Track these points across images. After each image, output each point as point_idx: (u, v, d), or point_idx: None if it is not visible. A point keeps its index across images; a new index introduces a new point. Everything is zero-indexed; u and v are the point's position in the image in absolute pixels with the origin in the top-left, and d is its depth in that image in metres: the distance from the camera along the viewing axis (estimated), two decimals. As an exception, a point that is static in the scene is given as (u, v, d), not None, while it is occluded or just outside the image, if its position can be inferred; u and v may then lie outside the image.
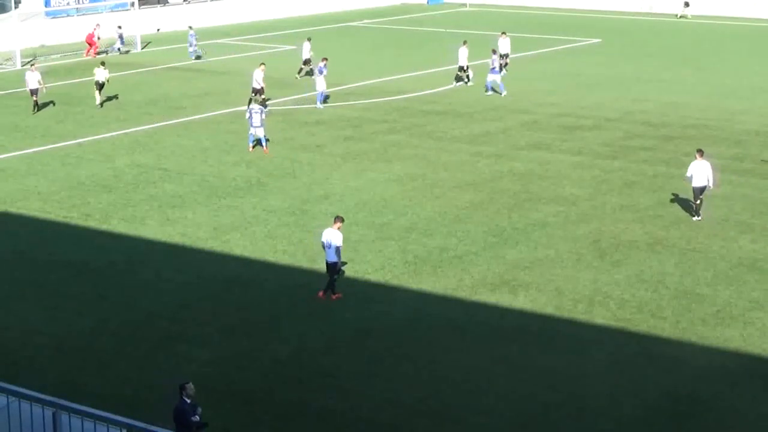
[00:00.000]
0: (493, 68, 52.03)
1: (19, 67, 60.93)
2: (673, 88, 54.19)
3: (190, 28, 65.72)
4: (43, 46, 67.64)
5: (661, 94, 52.55)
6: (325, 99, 50.67)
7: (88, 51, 66.12)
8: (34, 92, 48.25)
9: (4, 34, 64.86)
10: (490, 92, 52.14)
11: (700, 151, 33.59)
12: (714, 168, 33.52)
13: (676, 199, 35.20)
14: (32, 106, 47.81)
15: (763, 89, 53.79)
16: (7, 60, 62.16)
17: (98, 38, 66.77)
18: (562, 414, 21.64)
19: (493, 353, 24.47)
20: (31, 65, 47.06)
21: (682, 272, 28.83)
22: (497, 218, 33.60)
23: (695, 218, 33.27)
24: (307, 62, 57.28)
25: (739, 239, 31.56)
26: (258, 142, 41.58)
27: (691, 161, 33.54)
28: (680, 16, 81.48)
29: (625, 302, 26.96)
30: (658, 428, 21.15)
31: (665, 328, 25.44)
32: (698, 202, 33.24)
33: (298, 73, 57.28)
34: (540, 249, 30.88)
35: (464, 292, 27.77)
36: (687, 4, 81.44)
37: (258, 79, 49.13)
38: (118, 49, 67.30)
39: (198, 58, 64.19)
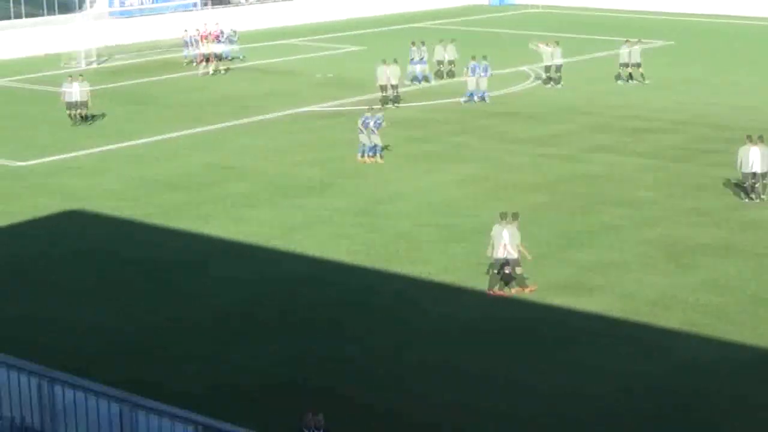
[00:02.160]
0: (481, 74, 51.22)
1: (83, 66, 61.44)
2: (744, 91, 53.56)
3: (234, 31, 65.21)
4: (108, 46, 68.08)
5: (732, 97, 51.99)
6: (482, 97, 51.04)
7: (205, 59, 62.00)
8: (80, 105, 45.37)
9: (68, 34, 65.36)
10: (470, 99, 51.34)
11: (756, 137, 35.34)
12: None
13: (747, 202, 34.86)
14: (74, 119, 45.13)
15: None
16: (74, 60, 62.65)
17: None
18: (631, 417, 21.52)
19: (560, 356, 24.37)
20: (71, 77, 45.13)
21: (754, 277, 28.51)
22: (565, 221, 33.46)
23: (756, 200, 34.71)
24: (451, 63, 56.43)
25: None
26: (373, 150, 39.96)
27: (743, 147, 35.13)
28: None
29: (696, 306, 26.72)
30: (729, 434, 20.99)
31: (736, 333, 25.21)
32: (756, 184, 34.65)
33: (435, 74, 56.57)
34: (608, 252, 30.70)
35: (531, 295, 27.63)
36: None
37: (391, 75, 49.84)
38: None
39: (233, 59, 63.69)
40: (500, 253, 27.29)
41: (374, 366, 23.90)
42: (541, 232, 32.33)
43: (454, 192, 36.56)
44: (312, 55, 64.63)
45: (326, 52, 67.31)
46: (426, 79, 56.43)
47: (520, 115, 48.42)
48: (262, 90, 54.97)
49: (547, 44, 55.41)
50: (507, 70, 56.74)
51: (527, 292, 27.37)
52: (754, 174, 34.70)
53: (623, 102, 51.00)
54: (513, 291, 27.40)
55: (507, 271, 27.37)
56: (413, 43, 57.36)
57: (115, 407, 15.08)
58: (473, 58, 51.44)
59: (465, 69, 51.93)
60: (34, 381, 15.58)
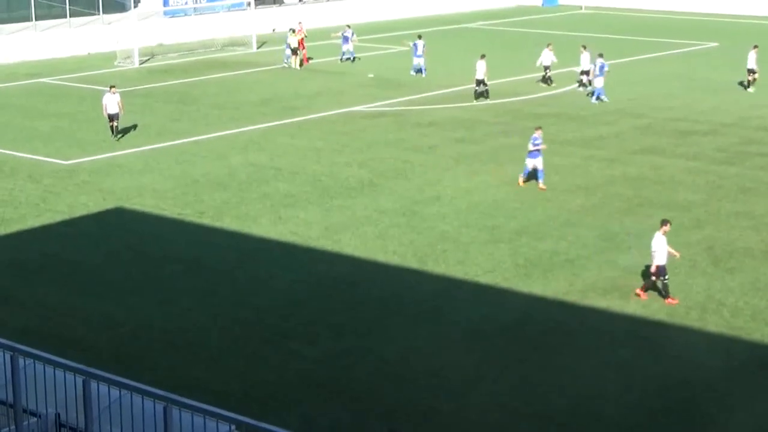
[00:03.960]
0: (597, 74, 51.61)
1: (137, 65, 61.94)
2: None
3: (348, 26, 65.10)
4: (161, 45, 68.52)
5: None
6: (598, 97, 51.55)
7: (300, 58, 63.14)
8: (113, 117, 43.73)
9: (123, 33, 65.89)
10: (595, 100, 51.63)
11: None
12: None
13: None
14: (111, 131, 44.29)
15: None
16: (126, 58, 63.15)
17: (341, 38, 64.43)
18: (671, 420, 21.38)
19: (603, 358, 24.25)
20: (111, 88, 44.37)
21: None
22: (609, 223, 33.32)
23: None
24: (547, 68, 55.99)
25: None
26: (534, 173, 37.25)
27: None
28: None
29: (740, 310, 26.50)
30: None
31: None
32: None
33: (543, 81, 56.11)
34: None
35: (574, 297, 27.53)
36: None
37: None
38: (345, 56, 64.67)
39: (350, 59, 63.78)
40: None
41: (414, 365, 23.88)
42: (586, 233, 32.28)
43: (498, 193, 36.49)
44: (363, 54, 64.57)
45: (377, 52, 67.32)
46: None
47: (565, 116, 48.28)
48: (309, 90, 55.11)
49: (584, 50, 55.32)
50: (555, 72, 56.48)
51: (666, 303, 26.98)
52: None
53: (668, 104, 50.80)
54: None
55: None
56: (419, 37, 60.47)
57: (154, 405, 15.07)
58: (600, 56, 51.94)
59: (592, 67, 52.61)
60: (75, 378, 15.59)
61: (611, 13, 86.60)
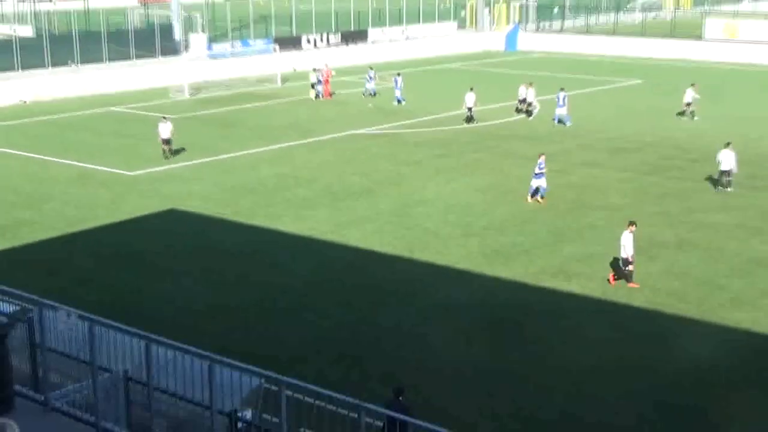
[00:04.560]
0: (559, 104, 51.55)
1: (187, 96, 61.95)
2: (702, 120, 53.06)
3: (371, 68, 63.98)
4: (206, 81, 68.53)
5: (691, 125, 51.61)
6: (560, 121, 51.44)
7: (326, 92, 62.20)
8: (166, 141, 42.87)
9: (176, 71, 65.95)
10: (557, 124, 51.51)
11: (727, 144, 37.39)
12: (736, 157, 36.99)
13: (700, 208, 34.67)
14: (164, 154, 42.88)
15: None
16: (178, 92, 63.20)
17: (368, 79, 62.54)
18: (603, 378, 21.47)
19: (553, 325, 24.37)
20: (164, 118, 43.95)
21: (704, 266, 28.36)
22: (556, 220, 33.35)
23: (726, 189, 36.95)
24: (522, 101, 54.89)
25: (750, 240, 31.00)
26: (537, 191, 35.73)
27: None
28: None
29: (658, 290, 26.63)
30: (680, 392, 20.89)
31: (687, 310, 25.13)
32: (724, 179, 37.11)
33: (518, 111, 55.02)
34: (590, 246, 30.60)
35: (530, 279, 27.63)
36: None
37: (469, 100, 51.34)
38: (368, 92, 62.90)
39: (372, 95, 62.24)
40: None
41: (405, 333, 23.96)
42: (538, 229, 32.33)
43: (470, 197, 36.50)
44: (361, 89, 64.51)
45: (353, 88, 67.27)
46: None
47: (522, 137, 48.26)
48: (322, 117, 55.01)
49: (526, 86, 55.04)
50: (509, 103, 56.43)
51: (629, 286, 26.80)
52: (724, 171, 37.07)
53: (604, 128, 50.69)
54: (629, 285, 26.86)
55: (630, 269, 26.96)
56: (371, 68, 62.29)
57: (201, 364, 15.10)
58: (561, 89, 52.12)
59: (557, 98, 52.08)
60: (139, 342, 15.61)
61: (557, 56, 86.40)
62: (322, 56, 77.67)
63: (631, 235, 26.86)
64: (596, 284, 27.08)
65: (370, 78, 62.53)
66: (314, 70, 63.61)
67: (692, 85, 54.11)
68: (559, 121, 51.37)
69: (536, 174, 35.44)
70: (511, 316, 25.12)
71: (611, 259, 28.65)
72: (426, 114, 54.85)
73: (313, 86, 62.10)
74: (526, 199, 35.65)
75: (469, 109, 52.05)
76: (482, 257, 29.57)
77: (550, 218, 33.60)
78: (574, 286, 26.97)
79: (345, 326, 24.41)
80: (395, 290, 27.01)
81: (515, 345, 23.29)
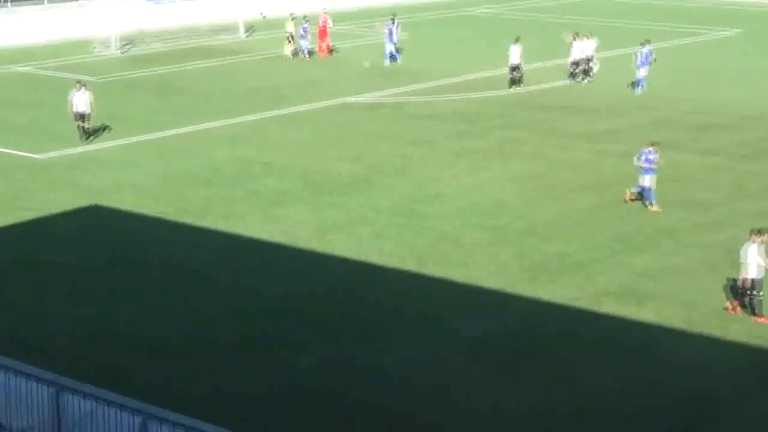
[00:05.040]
0: (641, 63, 51.55)
1: (116, 52, 61.91)
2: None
3: (305, 19, 62.74)
4: (142, 31, 68.40)
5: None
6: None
7: (321, 47, 62.61)
8: (82, 116, 42.23)
9: (102, 17, 65.74)
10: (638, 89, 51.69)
11: None
12: None
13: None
14: (80, 134, 42.28)
15: None
16: (104, 45, 63.09)
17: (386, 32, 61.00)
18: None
19: (615, 370, 24.14)
20: (79, 84, 42.91)
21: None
22: (622, 223, 33.25)
23: None
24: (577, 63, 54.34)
25: None
26: (642, 192, 34.78)
27: None
28: None
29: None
30: None
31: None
32: None
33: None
34: (669, 257, 30.49)
35: (585, 302, 27.43)
36: None
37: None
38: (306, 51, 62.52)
39: (311, 53, 62.18)
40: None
41: (414, 376, 23.73)
42: (598, 234, 32.29)
43: (503, 191, 36.41)
44: (359, 41, 64.39)
45: (373, 39, 67.03)
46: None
47: (574, 108, 48.24)
48: (301, 79, 55.05)
49: (576, 37, 54.56)
50: (556, 62, 56.30)
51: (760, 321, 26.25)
52: None
53: (687, 96, 50.72)
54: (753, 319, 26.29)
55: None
56: (393, 20, 60.53)
57: (130, 418, 15.05)
58: (645, 43, 52.18)
59: (637, 54, 52.28)
60: (48, 390, 15.56)
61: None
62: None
63: (756, 248, 26.26)
64: (678, 310, 26.88)
65: (304, 33, 61.58)
66: (292, 17, 63.23)
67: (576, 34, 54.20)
68: (638, 85, 51.35)
69: (645, 169, 34.37)
70: (559, 355, 24.88)
71: (694, 274, 28.54)
72: (441, 77, 54.81)
73: (289, 39, 61.88)
74: (625, 199, 34.90)
75: (515, 67, 52.21)
76: (520, 273, 29.42)
77: (612, 220, 33.48)
78: (648, 313, 26.75)
79: (332, 368, 24.12)
80: (399, 319, 26.78)
81: (563, 394, 23.06)
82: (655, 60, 51.54)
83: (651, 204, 34.32)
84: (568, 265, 29.98)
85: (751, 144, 42.14)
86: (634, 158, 34.71)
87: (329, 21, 63.25)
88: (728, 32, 69.56)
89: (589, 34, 55.52)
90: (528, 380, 23.65)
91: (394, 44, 59.25)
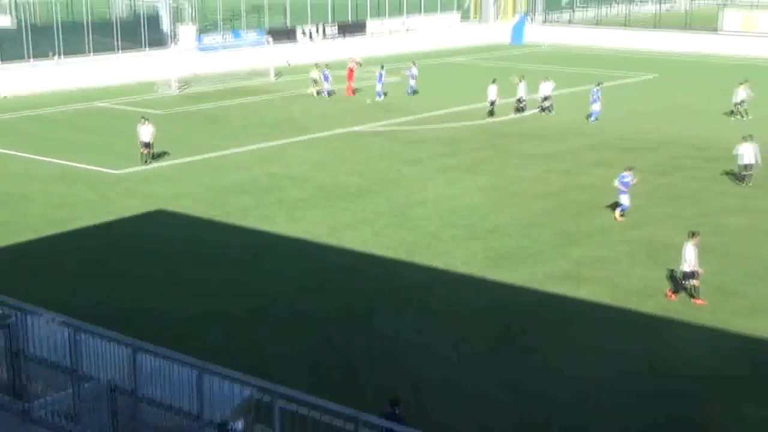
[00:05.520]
0: (593, 100, 51.91)
1: (175, 91, 62.00)
2: (718, 117, 53.19)
3: (326, 66, 62.08)
4: (195, 75, 68.50)
5: (707, 124, 51.67)
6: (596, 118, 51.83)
7: (348, 88, 61.61)
8: (146, 145, 42.13)
9: (164, 64, 66.04)
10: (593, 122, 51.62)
11: (748, 136, 38.70)
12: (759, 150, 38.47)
13: (716, 211, 34.76)
14: (143, 159, 42.19)
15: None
16: (166, 86, 63.22)
17: (376, 81, 60.53)
18: (610, 389, 21.55)
19: (560, 335, 24.42)
20: (144, 119, 42.83)
21: (720, 272, 28.37)
22: (564, 223, 33.46)
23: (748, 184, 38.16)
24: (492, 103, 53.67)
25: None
26: (617, 205, 34.20)
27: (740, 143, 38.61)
28: None
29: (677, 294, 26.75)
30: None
31: (704, 318, 25.19)
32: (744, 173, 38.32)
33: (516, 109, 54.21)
34: (600, 249, 30.71)
35: (536, 284, 27.69)
36: None
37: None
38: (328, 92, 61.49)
39: (415, 92, 61.18)
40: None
41: (403, 341, 23.95)
42: (545, 232, 32.44)
43: (474, 199, 36.60)
44: (363, 83, 64.41)
45: (371, 82, 67.18)
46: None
47: (528, 135, 48.39)
48: (318, 112, 55.10)
49: (518, 79, 54.76)
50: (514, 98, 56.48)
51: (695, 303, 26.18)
52: (746, 165, 38.31)
53: (615, 125, 50.79)
54: (692, 301, 26.18)
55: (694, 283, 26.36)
56: (382, 67, 61.07)
57: (189, 372, 15.20)
58: (595, 84, 53.14)
59: (591, 93, 52.71)
60: (125, 350, 15.70)
61: (567, 49, 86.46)
62: (317, 49, 77.93)
63: (694, 248, 26.21)
64: (606, 290, 27.14)
65: (326, 78, 60.93)
66: (316, 65, 63.06)
67: (742, 83, 53.32)
68: (594, 118, 51.52)
69: (621, 190, 33.70)
70: (517, 323, 25.11)
71: (619, 262, 28.80)
72: (428, 110, 54.98)
73: (315, 82, 61.39)
74: (615, 217, 33.85)
75: (492, 103, 52.53)
76: (486, 261, 29.62)
77: (557, 221, 33.69)
78: (583, 292, 27.04)
79: (341, 334, 24.38)
80: (394, 296, 27.01)
81: (519, 355, 23.31)
82: (599, 98, 51.75)
83: (618, 214, 33.77)
84: (522, 255, 30.19)
85: (664, 163, 42.31)
86: (615, 180, 34.02)
87: (355, 65, 62.82)
88: (648, 76, 69.61)
89: (546, 77, 55.76)
90: (492, 341, 23.92)
91: (381, 85, 59.37)
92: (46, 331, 16.20)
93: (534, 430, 19.85)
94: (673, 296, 26.59)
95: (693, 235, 26.66)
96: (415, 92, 60.03)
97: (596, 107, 51.66)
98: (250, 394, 14.75)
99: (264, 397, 14.34)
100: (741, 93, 52.63)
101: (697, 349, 23.52)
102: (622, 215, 33.81)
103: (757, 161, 38.07)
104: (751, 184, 37.88)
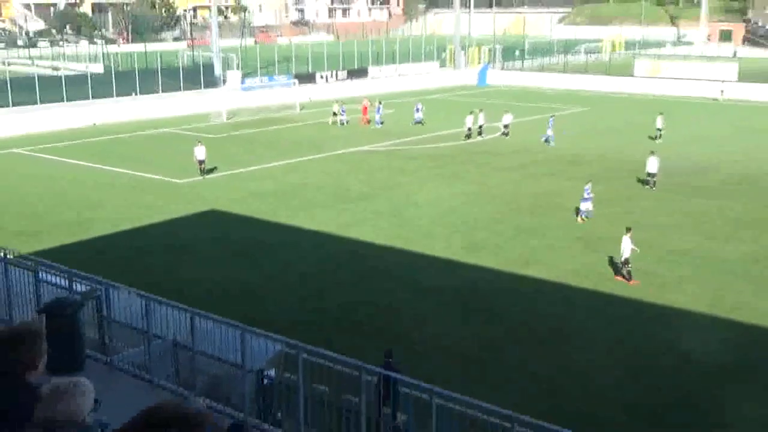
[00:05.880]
0: (549, 126, 51.36)
1: (224, 120, 61.84)
2: (633, 139, 52.97)
3: (343, 102, 61.45)
4: (239, 108, 68.36)
5: (627, 143, 51.49)
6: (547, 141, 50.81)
7: (365, 120, 59.60)
8: (201, 162, 41.29)
9: (216, 100, 65.93)
10: (545, 143, 50.72)
11: (652, 152, 39.10)
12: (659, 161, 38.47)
13: (637, 210, 34.56)
14: (200, 172, 41.26)
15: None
16: (217, 117, 63.09)
17: (376, 112, 59.04)
18: (563, 342, 21.35)
19: (519, 303, 24.24)
20: (199, 142, 42.55)
21: (637, 256, 27.84)
22: (522, 220, 33.28)
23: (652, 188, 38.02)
24: (480, 126, 52.84)
25: (672, 236, 30.85)
26: (578, 211, 33.19)
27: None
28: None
29: (601, 274, 26.61)
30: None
31: (624, 291, 24.99)
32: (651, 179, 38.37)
33: (477, 134, 52.78)
34: (549, 240, 30.55)
35: (500, 266, 27.53)
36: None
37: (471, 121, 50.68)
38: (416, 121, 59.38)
39: (420, 123, 58.92)
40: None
41: (397, 308, 23.81)
42: (506, 227, 32.24)
43: (454, 202, 36.38)
44: (359, 115, 64.20)
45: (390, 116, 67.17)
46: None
47: (497, 153, 48.08)
48: (332, 136, 54.85)
49: (475, 111, 54.05)
50: (491, 124, 56.27)
51: (631, 284, 25.64)
52: (651, 173, 38.32)
53: (559, 145, 50.54)
54: (631, 283, 25.61)
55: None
56: (380, 102, 60.41)
57: (234, 332, 15.03)
58: (552, 115, 52.91)
59: (548, 122, 51.87)
60: (185, 315, 15.56)
61: (519, 89, 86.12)
62: (332, 89, 77.90)
63: (629, 240, 25.75)
64: (551, 271, 26.96)
65: (342, 111, 59.58)
66: (336, 101, 62.33)
67: (661, 113, 53.12)
68: (546, 141, 51.08)
69: (584, 198, 32.67)
70: (487, 296, 24.99)
71: (562, 250, 28.63)
72: (418, 134, 54.79)
73: (335, 113, 60.32)
74: (576, 221, 32.73)
75: (469, 129, 52.20)
76: (462, 249, 29.47)
77: (516, 219, 33.48)
78: (535, 272, 26.87)
79: (349, 304, 24.25)
80: (390, 277, 26.80)
81: (485, 317, 23.17)
82: (552, 125, 51.46)
83: (582, 218, 32.72)
84: (489, 245, 30.02)
85: (600, 174, 41.90)
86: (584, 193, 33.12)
87: (368, 104, 61.26)
88: (582, 108, 69.40)
89: (507, 110, 55.62)
90: (467, 311, 23.77)
91: (380, 115, 58.77)
92: (125, 301, 16.06)
93: (492, 361, 19.69)
94: (618, 278, 25.89)
95: (628, 230, 26.33)
96: (419, 123, 58.26)
97: (550, 132, 51.31)
98: (281, 348, 14.62)
99: (291, 351, 14.18)
100: (659, 121, 52.47)
101: (616, 310, 23.36)
102: (584, 219, 32.64)
103: (657, 170, 38.22)
104: (654, 189, 37.70)
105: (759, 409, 18.35)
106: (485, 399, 12.41)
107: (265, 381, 14.71)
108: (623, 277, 25.97)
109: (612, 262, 27.46)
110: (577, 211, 33.41)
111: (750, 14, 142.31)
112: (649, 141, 51.11)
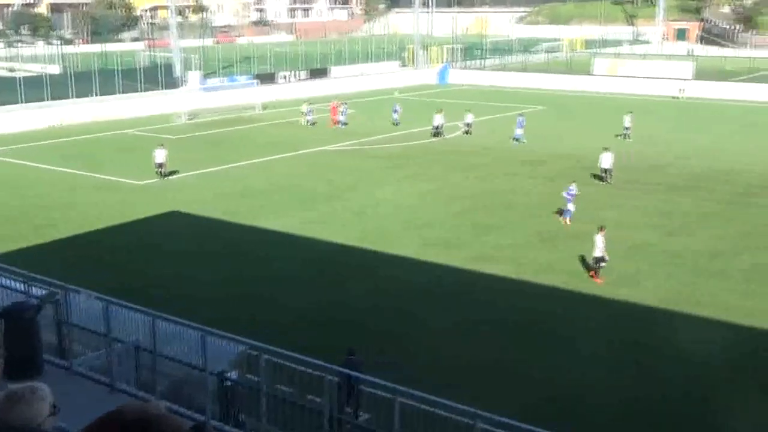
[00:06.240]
0: (518, 126, 51.34)
1: (185, 121, 61.35)
2: (593, 137, 53.48)
3: (311, 103, 60.69)
4: (200, 109, 67.82)
5: (585, 142, 51.99)
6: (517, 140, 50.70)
7: (334, 121, 58.89)
8: (159, 165, 40.71)
9: (176, 101, 65.42)
10: (515, 142, 50.72)
11: (606, 148, 39.64)
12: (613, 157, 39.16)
13: (593, 207, 34.91)
14: (159, 175, 40.68)
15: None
16: (178, 117, 62.63)
17: (341, 113, 58.52)
18: (541, 335, 21.54)
19: (481, 294, 24.39)
20: (161, 145, 41.88)
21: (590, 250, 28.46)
22: (480, 218, 33.48)
23: (609, 183, 38.63)
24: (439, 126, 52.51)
25: (629, 231, 31.28)
26: (562, 212, 32.80)
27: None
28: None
29: (561, 271, 26.86)
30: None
31: (588, 287, 25.28)
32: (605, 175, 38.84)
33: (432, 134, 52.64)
34: (508, 237, 30.80)
35: (459, 263, 27.71)
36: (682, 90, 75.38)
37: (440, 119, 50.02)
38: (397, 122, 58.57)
39: (396, 124, 58.10)
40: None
41: (368, 306, 23.86)
42: (466, 224, 32.44)
43: (413, 200, 36.52)
44: (327, 115, 64.14)
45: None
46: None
47: (458, 151, 48.27)
48: (297, 136, 54.62)
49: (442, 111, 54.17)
50: (450, 124, 56.48)
51: (598, 282, 25.47)
52: (605, 169, 38.94)
53: (518, 145, 50.91)
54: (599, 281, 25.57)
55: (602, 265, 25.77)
56: (345, 103, 59.61)
57: (196, 334, 14.98)
58: (520, 114, 52.58)
59: (516, 121, 51.71)
60: (146, 318, 15.48)
61: (480, 88, 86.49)
62: (293, 89, 77.60)
63: (602, 238, 25.74)
64: (507, 266, 27.19)
65: (309, 112, 59.18)
66: (305, 101, 61.82)
67: (630, 112, 53.20)
68: (516, 140, 51.13)
69: (568, 199, 32.28)
70: (448, 290, 25.16)
71: (521, 247, 28.88)
72: (381, 133, 54.83)
73: (303, 114, 59.82)
74: (563, 222, 32.22)
75: (436, 127, 52.12)
76: (421, 246, 29.60)
77: (475, 216, 33.68)
78: (496, 269, 27.08)
79: (319, 304, 24.22)
80: (355, 273, 26.91)
81: (439, 309, 23.31)
82: (522, 124, 51.48)
83: (565, 219, 32.26)
84: (448, 241, 30.19)
85: (558, 172, 42.36)
86: (563, 192, 33.07)
87: (338, 104, 60.54)
88: (540, 107, 69.91)
89: (469, 109, 55.81)
90: (430, 305, 23.90)
91: (345, 116, 58.35)
92: (84, 304, 15.92)
93: (450, 335, 19.85)
94: (596, 277, 25.77)
95: (601, 228, 26.23)
96: (396, 124, 57.70)
97: (519, 131, 51.31)
98: (243, 350, 14.60)
99: (253, 353, 14.18)
100: (627, 120, 52.68)
101: (577, 302, 23.62)
102: (568, 221, 32.10)
103: (611, 166, 38.85)
104: (612, 182, 38.35)
105: (754, 404, 18.70)
106: (454, 398, 12.50)
107: (227, 382, 14.67)
108: (595, 274, 26.04)
109: (582, 260, 27.64)
110: (561, 212, 33.04)
111: (706, 13, 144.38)
112: (608, 139, 51.62)
